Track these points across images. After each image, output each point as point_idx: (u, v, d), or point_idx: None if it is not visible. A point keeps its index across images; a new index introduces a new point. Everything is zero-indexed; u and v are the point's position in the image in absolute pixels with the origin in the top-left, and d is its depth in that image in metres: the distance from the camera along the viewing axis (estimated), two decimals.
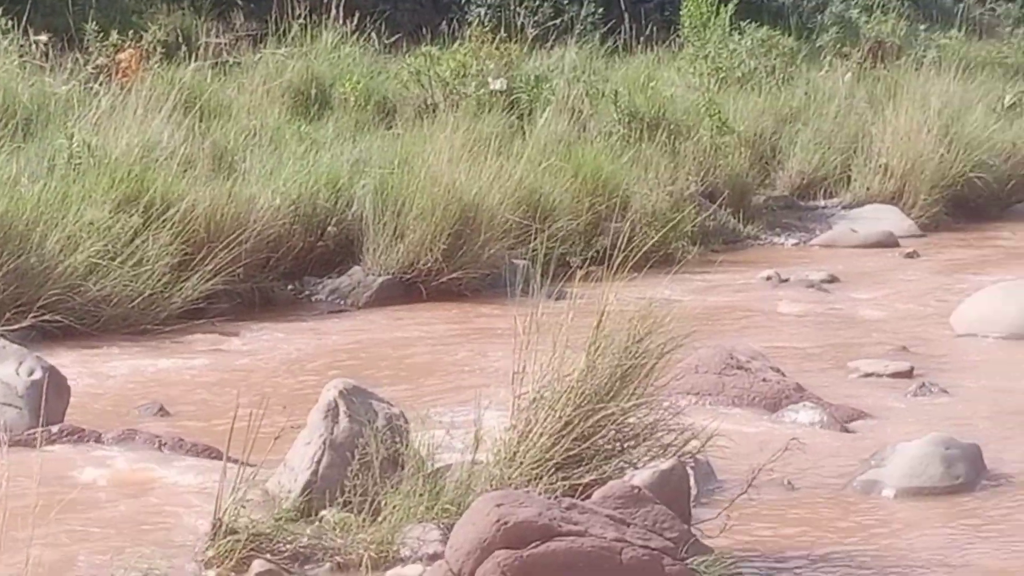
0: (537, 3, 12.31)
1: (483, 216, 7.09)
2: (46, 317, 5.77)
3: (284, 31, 10.39)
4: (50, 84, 8.31)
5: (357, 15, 10.63)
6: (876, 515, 4.07)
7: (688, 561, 3.08)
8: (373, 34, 10.71)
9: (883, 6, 13.84)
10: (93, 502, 3.77)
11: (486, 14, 12.03)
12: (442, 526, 3.25)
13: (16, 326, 5.63)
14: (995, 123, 10.70)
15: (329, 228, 7.18)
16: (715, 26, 11.86)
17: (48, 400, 4.05)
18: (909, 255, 9.11)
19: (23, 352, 4.91)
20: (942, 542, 3.72)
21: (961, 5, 15.33)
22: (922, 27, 13.94)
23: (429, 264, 6.99)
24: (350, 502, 3.30)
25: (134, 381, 5.44)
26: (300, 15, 10.29)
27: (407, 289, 7.13)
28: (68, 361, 5.37)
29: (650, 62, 11.91)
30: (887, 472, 4.22)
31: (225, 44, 10.57)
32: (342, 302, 6.96)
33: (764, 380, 5.21)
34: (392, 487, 3.34)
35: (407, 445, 3.53)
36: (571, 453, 3.54)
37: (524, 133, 8.54)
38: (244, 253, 6.42)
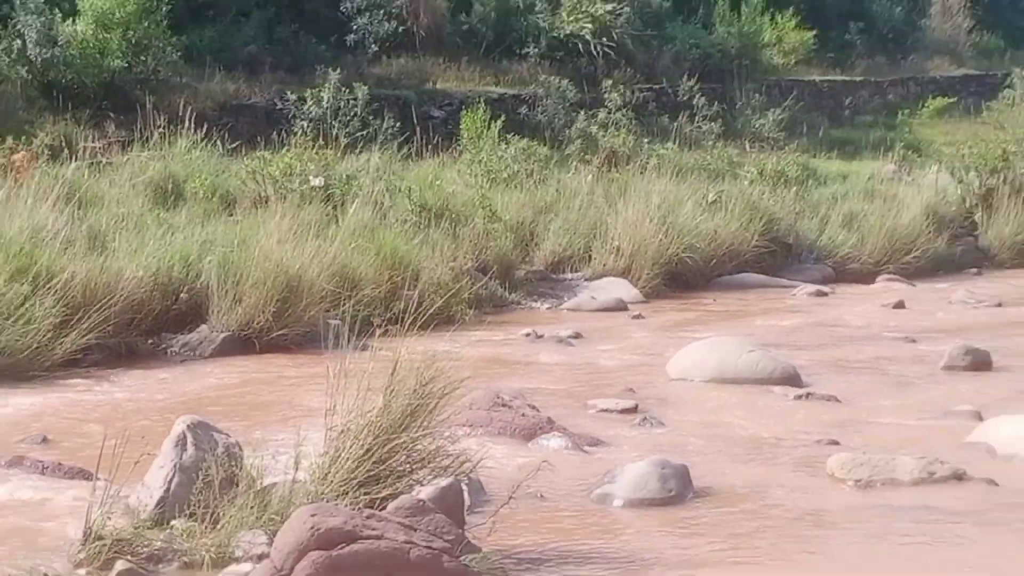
0: (348, 118, 14.39)
1: (305, 285, 8.09)
2: None
3: (147, 138, 12.00)
4: None
5: (206, 126, 12.43)
6: (608, 521, 4.51)
7: (462, 558, 3.38)
8: (218, 141, 12.41)
9: (616, 123, 15.93)
10: None
11: (308, 126, 13.96)
12: (268, 532, 3.52)
13: None
14: (701, 215, 12.42)
15: (182, 294, 8.09)
16: (487, 138, 13.97)
17: None
18: (636, 317, 10.24)
19: None
20: (659, 542, 4.19)
21: (675, 124, 17.34)
22: (645, 140, 15.93)
23: (262, 323, 7.88)
24: (195, 513, 3.59)
25: (22, 416, 6.02)
26: (160, 125, 11.97)
27: (244, 343, 7.92)
28: None
29: (437, 165, 13.63)
30: (617, 487, 4.63)
31: (100, 148, 12.31)
32: (192, 353, 7.79)
33: (523, 415, 5.69)
34: (229, 501, 3.63)
35: (241, 467, 3.84)
36: (371, 473, 3.86)
37: (337, 220, 9.74)
38: (113, 314, 7.34)
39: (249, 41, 17.10)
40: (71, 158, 11.06)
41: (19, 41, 13.73)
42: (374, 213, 10.29)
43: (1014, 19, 29.44)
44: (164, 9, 14.72)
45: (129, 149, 12.08)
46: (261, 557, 3.41)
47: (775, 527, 4.45)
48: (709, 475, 4.98)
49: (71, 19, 14.46)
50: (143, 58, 14.71)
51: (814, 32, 22.55)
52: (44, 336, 6.89)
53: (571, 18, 19.10)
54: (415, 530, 3.49)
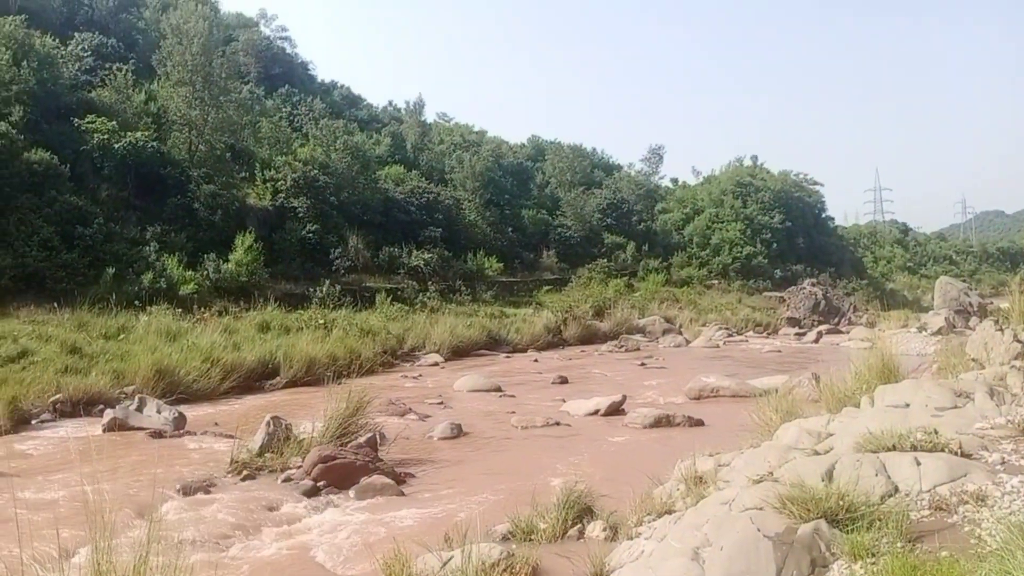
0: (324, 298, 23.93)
1: (317, 360, 15.93)
2: None
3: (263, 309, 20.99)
4: None
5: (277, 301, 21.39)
6: (432, 446, 10.29)
7: (377, 464, 8.97)
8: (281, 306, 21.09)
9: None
10: None
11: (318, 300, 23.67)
12: (301, 457, 9.00)
13: None
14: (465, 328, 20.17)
15: (269, 365, 15.87)
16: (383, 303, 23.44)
17: None
18: (441, 367, 18.22)
19: None
20: (448, 454, 10.11)
21: None
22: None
23: (300, 377, 15.41)
24: (273, 451, 9.14)
25: (207, 415, 11.87)
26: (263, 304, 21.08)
27: (295, 385, 15.10)
28: None
29: (355, 310, 23.60)
30: (436, 432, 10.56)
31: (240, 311, 20.78)
32: (273, 389, 14.89)
33: (399, 406, 11.76)
34: (285, 445, 9.11)
35: (290, 432, 9.30)
36: (341, 433, 9.34)
37: (328, 334, 18.27)
38: (241, 374, 14.59)
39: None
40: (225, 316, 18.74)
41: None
42: (342, 331, 17.50)
43: None
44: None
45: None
46: (298, 467, 8.65)
47: (491, 445, 10.43)
48: (468, 428, 10.99)
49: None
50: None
51: None
52: (214, 383, 13.39)
53: None
54: (357, 455, 8.75)
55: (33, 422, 11.28)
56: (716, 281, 41.59)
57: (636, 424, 11.20)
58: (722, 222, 45.68)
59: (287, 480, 8.14)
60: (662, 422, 11.19)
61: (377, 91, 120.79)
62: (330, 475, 8.04)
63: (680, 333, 28.15)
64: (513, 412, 12.26)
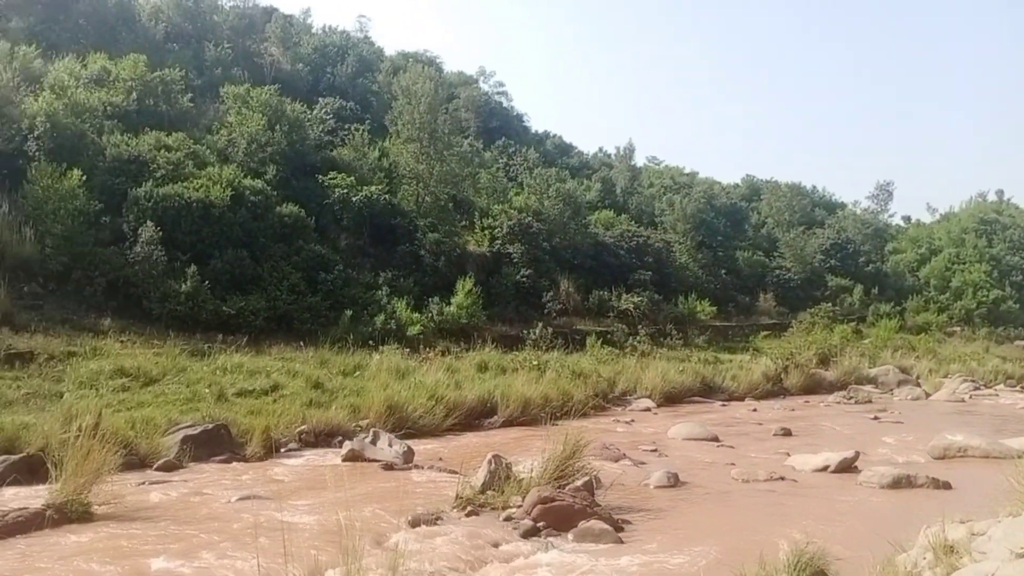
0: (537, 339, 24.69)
1: (532, 401, 16.89)
2: None
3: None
4: None
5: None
6: (647, 494, 10.19)
7: (594, 508, 8.96)
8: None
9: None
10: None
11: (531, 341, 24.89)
12: (521, 496, 9.18)
13: None
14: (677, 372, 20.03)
15: (487, 404, 16.57)
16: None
17: None
18: (654, 412, 17.28)
19: None
20: (665, 503, 9.91)
21: None
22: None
23: (516, 416, 15.95)
24: (494, 488, 9.26)
25: (433, 450, 12.45)
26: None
27: (510, 424, 15.53)
28: None
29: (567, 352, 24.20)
30: (651, 480, 10.41)
31: (460, 351, 21.67)
32: (491, 426, 14.52)
33: (613, 451, 11.74)
34: (506, 484, 9.32)
35: (510, 471, 9.54)
36: (557, 475, 9.43)
37: (543, 376, 18.95)
38: (463, 412, 15.36)
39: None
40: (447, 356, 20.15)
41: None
42: (554, 373, 18.27)
43: None
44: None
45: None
46: (518, 507, 8.82)
47: (710, 497, 10.17)
48: (685, 477, 10.77)
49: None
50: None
51: None
52: (438, 419, 14.27)
53: None
54: (575, 498, 8.75)
55: (282, 450, 12.45)
56: (958, 328, 37.96)
57: (872, 483, 10.42)
58: (964, 263, 41.73)
59: (508, 519, 8.37)
60: (902, 483, 10.32)
61: (588, 138, 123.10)
62: (549, 516, 8.18)
63: (918, 385, 25.89)
64: (733, 464, 11.87)
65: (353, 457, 11.49)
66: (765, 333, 32.97)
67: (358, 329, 20.92)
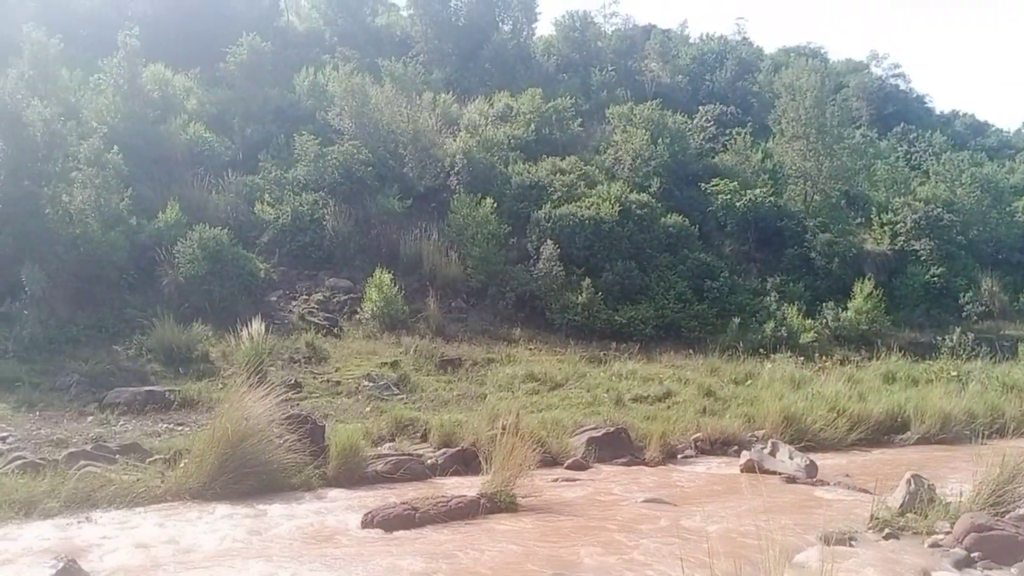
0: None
1: None
2: None
3: None
4: None
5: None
6: None
7: None
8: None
9: None
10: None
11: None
12: (950, 522, 8.08)
13: None
14: None
15: (899, 418, 15.12)
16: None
17: None
18: None
19: None
20: None
21: None
22: None
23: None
24: (916, 511, 8.29)
25: (840, 466, 11.70)
26: None
27: (925, 441, 14.42)
28: None
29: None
30: None
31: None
32: (902, 443, 13.71)
33: None
34: (930, 507, 8.29)
35: (934, 494, 8.50)
36: (993, 500, 8.14)
37: None
38: (869, 425, 14.44)
39: None
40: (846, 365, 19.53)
41: None
42: (979, 385, 17.05)
43: None
44: None
45: None
46: (945, 533, 7.67)
47: None
48: None
49: None
50: None
51: None
52: (841, 433, 13.51)
53: None
54: (1019, 528, 7.36)
55: (678, 456, 12.68)
56: None
57: None
58: None
59: (933, 545, 7.54)
60: None
61: (1006, 114, 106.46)
62: (985, 546, 7.20)
63: None
64: None
65: (751, 468, 11.27)
66: None
67: (747, 337, 20.57)
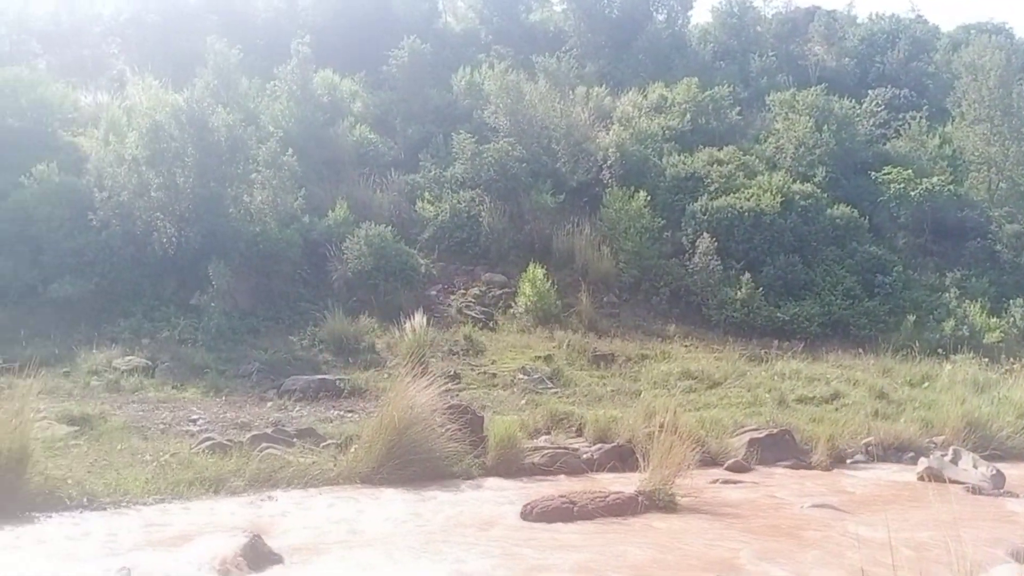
0: None
1: None
2: None
3: None
4: None
5: None
6: None
7: None
8: None
9: None
10: None
11: None
12: None
13: None
14: None
15: None
16: None
17: None
18: None
19: None
20: None
21: None
22: None
23: None
24: None
25: None
26: None
27: None
28: None
29: None
30: None
31: None
32: None
33: None
34: None
35: None
36: None
37: None
38: None
39: None
40: None
41: None
42: None
43: None
44: None
45: None
46: None
47: None
48: None
49: None
50: None
51: None
52: None
53: None
54: None
55: (847, 461, 12.02)
56: None
57: None
58: None
59: None
60: None
61: None
62: None
63: None
64: None
65: (929, 476, 10.52)
66: None
67: (923, 336, 19.08)
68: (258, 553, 6.46)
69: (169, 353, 14.93)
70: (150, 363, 14.35)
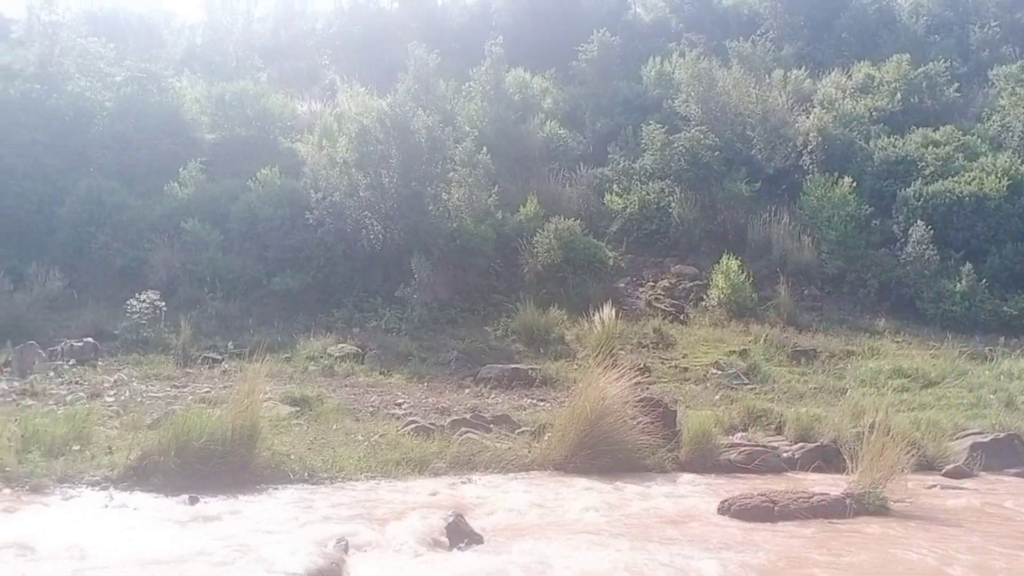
0: None
1: None
2: None
3: None
4: None
5: None
6: None
7: None
8: None
9: None
10: None
11: None
12: None
13: None
14: None
15: None
16: None
17: None
18: None
19: None
20: None
21: None
22: None
23: None
24: None
25: None
26: None
27: None
28: None
29: None
30: None
31: None
32: None
33: None
34: None
35: None
36: None
37: None
38: None
39: None
40: None
41: None
42: None
43: None
44: None
45: None
46: None
47: None
48: None
49: None
50: None
51: None
52: None
53: None
54: None
55: None
56: None
57: None
58: None
59: None
60: None
61: None
62: None
63: None
64: None
65: None
66: None
67: None
68: (461, 532, 6.76)
69: (376, 341, 15.89)
70: (360, 350, 15.33)
